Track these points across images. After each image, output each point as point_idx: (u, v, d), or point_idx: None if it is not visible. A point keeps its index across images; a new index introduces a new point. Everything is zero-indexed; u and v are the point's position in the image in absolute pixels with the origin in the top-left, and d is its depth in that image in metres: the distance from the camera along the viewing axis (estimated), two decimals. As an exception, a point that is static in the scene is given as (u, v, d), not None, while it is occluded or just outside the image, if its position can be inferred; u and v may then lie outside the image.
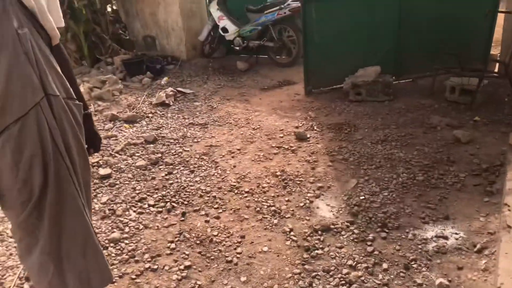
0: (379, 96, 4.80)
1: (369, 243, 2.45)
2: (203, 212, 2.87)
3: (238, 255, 2.43)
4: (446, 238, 2.45)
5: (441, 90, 4.71)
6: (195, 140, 4.11)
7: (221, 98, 5.40)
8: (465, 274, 2.16)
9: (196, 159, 3.69)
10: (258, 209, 2.87)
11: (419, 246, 2.40)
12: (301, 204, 2.89)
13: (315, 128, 4.20)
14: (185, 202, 3.00)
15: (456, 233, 2.49)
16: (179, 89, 5.74)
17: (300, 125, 4.31)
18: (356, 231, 2.56)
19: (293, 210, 2.82)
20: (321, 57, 5.22)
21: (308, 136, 4.00)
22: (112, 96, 5.47)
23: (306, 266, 2.29)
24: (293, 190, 3.09)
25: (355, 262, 2.29)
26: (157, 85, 6.12)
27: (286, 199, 2.97)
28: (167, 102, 5.25)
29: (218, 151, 3.83)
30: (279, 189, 3.10)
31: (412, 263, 2.27)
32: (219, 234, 2.62)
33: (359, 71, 5.10)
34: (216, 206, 2.93)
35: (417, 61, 5.26)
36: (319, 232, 2.57)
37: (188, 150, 3.88)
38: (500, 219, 2.45)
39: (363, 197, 2.92)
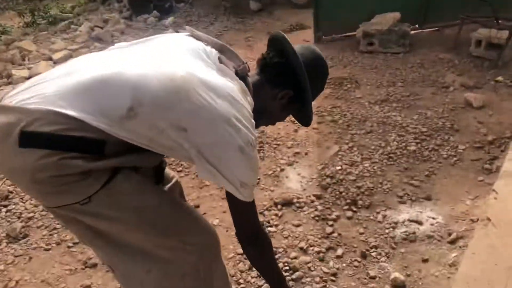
0: (393, 47, 4.28)
1: (330, 222, 2.19)
2: (165, 175, 2.68)
3: (185, 227, 2.26)
4: (420, 223, 2.15)
5: (466, 43, 4.12)
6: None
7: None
8: (428, 268, 1.88)
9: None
10: (223, 174, 2.65)
11: (386, 231, 2.12)
12: (270, 172, 2.64)
13: (313, 82, 3.81)
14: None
15: (433, 218, 2.18)
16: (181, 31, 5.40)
17: None
18: (320, 207, 2.30)
19: (259, 179, 2.58)
20: (334, 0, 4.67)
21: (302, 91, 3.64)
22: (111, 37, 5.23)
23: (253, 246, 2.08)
24: (267, 155, 2.83)
25: (307, 245, 2.06)
26: (161, 25, 5.80)
27: (256, 165, 2.72)
28: (166, 47, 4.96)
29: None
30: (251, 153, 2.85)
31: (372, 250, 2.01)
32: (174, 201, 2.45)
33: (376, 18, 4.54)
34: (179, 169, 2.74)
35: (446, 7, 4.61)
36: (279, 206, 2.33)
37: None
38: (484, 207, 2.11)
39: (339, 167, 2.61)
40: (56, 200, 1.03)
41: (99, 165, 1.00)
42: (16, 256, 2.17)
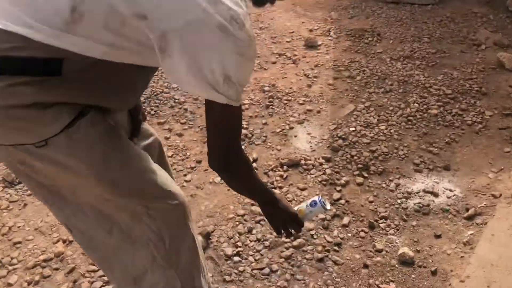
0: (422, -2, 3.92)
1: (338, 188, 2.05)
2: (167, 126, 2.53)
3: (185, 183, 2.14)
4: (435, 194, 2.00)
5: (504, -4, 3.74)
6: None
7: (240, -13, 4.68)
8: (441, 245, 1.75)
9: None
10: (228, 129, 2.48)
11: (398, 201, 1.98)
12: (278, 130, 2.47)
13: (331, 33, 3.54)
14: (152, 112, 2.66)
15: (450, 190, 2.02)
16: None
17: (316, 28, 3.65)
18: (328, 171, 2.15)
19: (266, 136, 2.42)
20: None
21: (320, 43, 3.38)
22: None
23: (254, 208, 1.96)
24: (276, 111, 2.64)
25: (312, 211, 1.93)
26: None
27: (264, 121, 2.54)
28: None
29: (211, 53, 3.34)
30: (260, 108, 2.66)
31: (381, 221, 1.88)
32: (174, 155, 2.31)
33: (406, -37, 4.13)
34: (183, 120, 2.58)
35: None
36: (285, 167, 2.19)
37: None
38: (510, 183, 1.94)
39: (353, 129, 2.43)
40: (7, 136, 0.87)
41: (54, 96, 0.82)
42: (11, 202, 2.10)
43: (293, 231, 1.25)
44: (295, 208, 1.24)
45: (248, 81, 0.91)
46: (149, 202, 1.02)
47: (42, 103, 0.82)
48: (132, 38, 0.81)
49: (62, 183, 0.95)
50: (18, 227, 1.95)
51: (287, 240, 1.79)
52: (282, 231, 1.24)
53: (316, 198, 1.23)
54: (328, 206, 1.24)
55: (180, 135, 2.47)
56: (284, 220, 1.21)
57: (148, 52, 0.84)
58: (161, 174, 1.07)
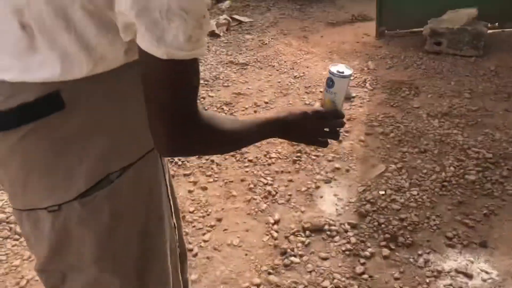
0: (464, 49, 3.78)
1: (362, 260, 1.93)
2: (192, 179, 2.52)
3: (202, 244, 2.09)
4: (469, 276, 1.83)
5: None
6: (226, 84, 3.65)
7: (278, 32, 4.74)
8: None
9: (215, 108, 3.28)
10: (252, 185, 2.43)
11: (427, 280, 1.83)
12: (303, 189, 2.39)
13: (367, 85, 3.47)
14: (179, 163, 2.67)
15: (487, 272, 1.85)
16: (235, 16, 5.17)
17: (351, 78, 3.58)
18: (353, 239, 2.04)
19: (290, 195, 2.35)
20: (402, -9, 4.23)
21: (354, 95, 3.31)
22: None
23: (271, 277, 1.87)
24: (303, 167, 2.57)
25: (332, 285, 1.82)
26: (217, 9, 5.60)
27: (290, 178, 2.48)
28: (217, 32, 4.76)
29: (243, 102, 3.36)
30: (287, 163, 2.61)
31: (407, 303, 1.74)
32: (196, 211, 2.29)
33: (447, 13, 4.03)
34: (209, 173, 2.56)
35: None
36: (307, 232, 2.10)
37: (212, 96, 3.46)
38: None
39: (383, 192, 2.31)
40: (24, 198, 0.82)
41: (70, 137, 0.75)
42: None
43: (338, 129, 1.00)
44: (317, 105, 0.99)
45: (204, 9, 0.65)
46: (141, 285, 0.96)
47: (60, 161, 0.77)
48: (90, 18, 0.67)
49: (55, 265, 0.92)
50: (36, 280, 1.95)
51: (303, 318, 1.68)
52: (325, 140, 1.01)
53: (328, 75, 0.96)
54: (348, 71, 0.97)
55: (204, 188, 2.44)
56: (315, 129, 0.98)
57: (112, 29, 0.70)
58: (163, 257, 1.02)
